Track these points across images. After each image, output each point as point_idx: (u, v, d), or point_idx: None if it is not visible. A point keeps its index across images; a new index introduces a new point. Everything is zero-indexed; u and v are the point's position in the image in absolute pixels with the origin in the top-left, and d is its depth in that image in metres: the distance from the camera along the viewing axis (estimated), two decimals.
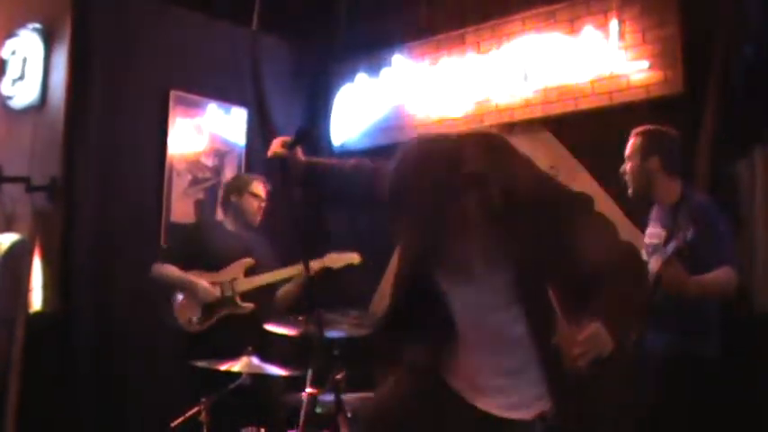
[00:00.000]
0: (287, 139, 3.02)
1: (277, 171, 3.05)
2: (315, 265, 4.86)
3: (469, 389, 2.63)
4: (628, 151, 4.20)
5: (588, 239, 2.43)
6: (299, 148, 3.01)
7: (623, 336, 2.43)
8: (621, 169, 4.23)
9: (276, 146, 3.02)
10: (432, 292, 2.62)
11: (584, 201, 2.60)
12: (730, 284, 3.80)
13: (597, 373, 2.34)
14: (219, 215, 5.55)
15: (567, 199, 2.54)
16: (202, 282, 4.89)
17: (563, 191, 2.56)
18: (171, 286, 4.97)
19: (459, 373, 2.65)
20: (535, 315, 2.45)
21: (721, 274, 3.78)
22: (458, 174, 2.33)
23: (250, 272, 5.01)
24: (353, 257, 5.02)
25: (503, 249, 2.44)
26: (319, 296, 4.76)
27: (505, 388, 2.55)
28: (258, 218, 5.18)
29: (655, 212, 4.20)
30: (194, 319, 4.87)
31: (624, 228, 5.07)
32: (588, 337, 2.29)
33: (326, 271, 4.93)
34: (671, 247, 3.72)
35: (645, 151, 4.12)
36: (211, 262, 4.96)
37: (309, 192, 3.12)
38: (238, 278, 4.96)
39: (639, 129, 4.21)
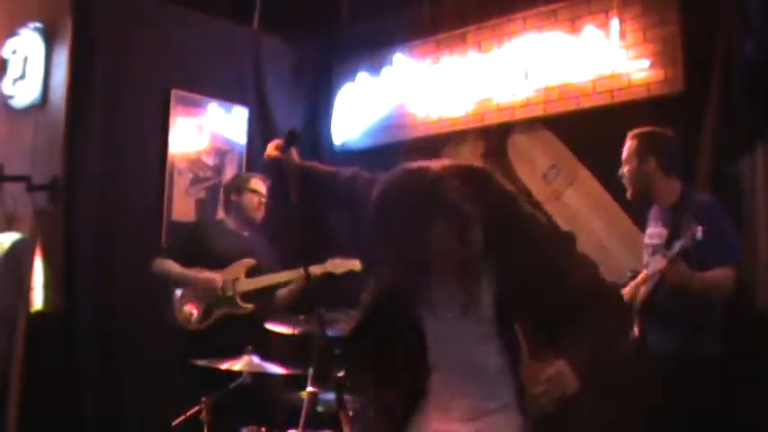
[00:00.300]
0: (280, 142, 3.03)
1: (274, 173, 3.07)
2: (316, 269, 4.88)
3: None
4: (624, 154, 4.22)
5: (569, 276, 2.38)
6: (294, 149, 3.02)
7: (593, 373, 2.38)
8: (619, 172, 4.24)
9: (271, 149, 3.04)
10: (406, 319, 2.54)
11: (568, 239, 2.54)
12: (730, 284, 3.80)
13: (561, 412, 2.28)
14: (221, 214, 5.55)
15: (551, 236, 2.47)
16: (204, 273, 4.89)
17: (547, 228, 2.49)
18: (171, 282, 4.98)
19: (431, 416, 2.54)
20: (515, 348, 2.35)
21: (722, 273, 3.79)
22: (438, 204, 2.27)
23: (251, 272, 5.01)
24: (355, 264, 5.01)
25: (483, 282, 2.39)
26: (321, 297, 4.79)
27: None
28: (260, 214, 5.19)
29: (654, 212, 4.20)
30: (194, 316, 4.88)
31: (625, 227, 5.10)
32: (552, 376, 2.23)
33: (328, 276, 4.93)
34: (678, 246, 3.72)
35: (641, 153, 4.13)
36: (212, 261, 4.97)
37: (305, 194, 3.11)
38: (240, 278, 4.96)
39: (635, 131, 4.22)
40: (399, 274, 2.42)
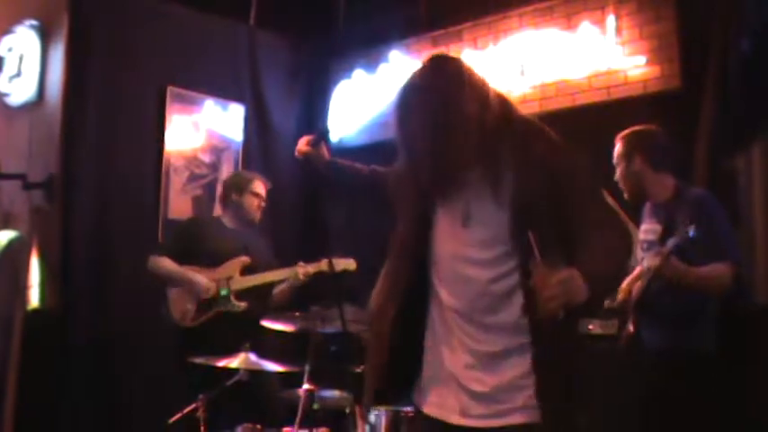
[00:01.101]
0: (311, 138, 3.08)
1: (302, 168, 3.12)
2: (310, 268, 4.90)
3: (439, 394, 2.54)
4: (614, 159, 4.21)
5: (587, 198, 2.47)
6: (324, 145, 3.07)
7: (601, 292, 2.41)
8: (615, 177, 4.23)
9: (302, 144, 3.08)
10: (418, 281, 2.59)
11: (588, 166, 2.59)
12: (726, 279, 3.80)
13: (567, 322, 2.29)
14: (218, 211, 5.55)
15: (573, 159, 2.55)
16: (201, 277, 4.89)
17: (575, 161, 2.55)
18: (167, 279, 4.97)
19: (429, 376, 2.58)
20: (526, 264, 2.37)
21: (718, 269, 3.78)
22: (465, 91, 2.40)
23: (246, 270, 5.01)
24: (350, 263, 5.02)
25: (503, 188, 2.44)
26: (317, 293, 4.80)
27: (482, 377, 2.45)
28: (258, 216, 5.19)
29: (648, 209, 4.19)
30: (188, 313, 4.88)
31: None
32: (562, 280, 2.22)
33: (323, 274, 4.94)
34: (672, 242, 3.72)
35: (627, 154, 4.13)
36: (208, 258, 4.97)
37: (333, 189, 3.20)
38: (234, 276, 4.96)
39: (621, 134, 4.21)
40: (424, 163, 2.47)
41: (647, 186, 4.13)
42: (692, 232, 3.62)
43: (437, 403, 2.54)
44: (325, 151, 3.08)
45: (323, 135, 3.12)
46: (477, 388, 2.45)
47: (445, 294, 2.54)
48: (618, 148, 4.18)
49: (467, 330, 2.49)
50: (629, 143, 4.14)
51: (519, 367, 2.42)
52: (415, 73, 2.53)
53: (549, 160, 2.44)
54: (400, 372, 2.60)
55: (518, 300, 2.42)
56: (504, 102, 2.52)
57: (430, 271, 2.59)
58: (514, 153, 2.45)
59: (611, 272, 2.46)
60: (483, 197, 2.46)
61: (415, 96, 2.47)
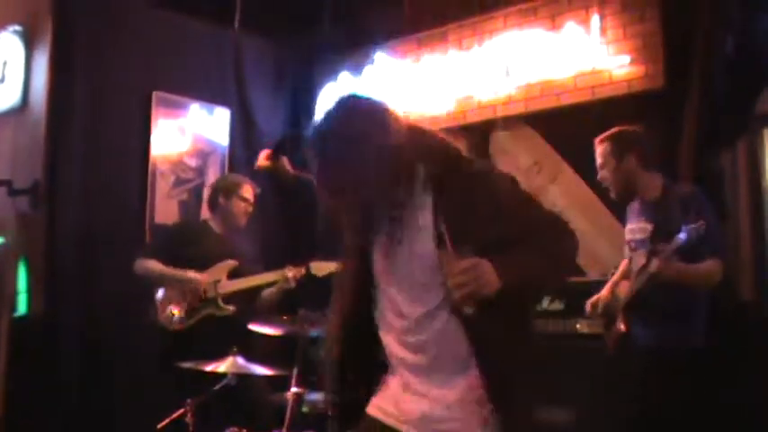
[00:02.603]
0: (269, 151, 3.04)
1: (265, 181, 3.08)
2: (297, 272, 4.90)
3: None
4: (600, 159, 4.18)
5: (515, 213, 2.41)
6: (285, 158, 3.03)
7: (527, 285, 2.37)
8: (599, 177, 4.21)
9: (262, 159, 3.05)
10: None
11: (512, 180, 2.55)
12: (717, 275, 3.81)
13: (474, 314, 2.26)
14: (204, 214, 5.54)
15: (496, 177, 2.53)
16: (194, 273, 4.87)
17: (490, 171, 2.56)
18: (154, 281, 4.96)
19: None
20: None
21: (711, 265, 3.79)
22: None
23: (234, 274, 5.00)
24: (336, 267, 5.01)
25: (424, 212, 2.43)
26: (303, 297, 4.80)
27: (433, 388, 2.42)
28: (244, 221, 5.17)
29: (635, 208, 4.19)
30: (175, 317, 4.87)
31: (608, 223, 5.11)
32: (468, 268, 2.21)
33: (309, 277, 4.94)
34: (679, 240, 3.69)
35: (618, 152, 4.11)
36: (195, 262, 4.95)
37: (299, 200, 3.14)
38: (221, 280, 4.95)
39: (604, 135, 4.19)
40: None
41: (637, 185, 4.13)
42: (702, 229, 3.62)
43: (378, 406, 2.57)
44: (285, 164, 3.03)
45: (282, 148, 3.07)
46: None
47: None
48: (605, 147, 4.16)
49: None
50: (620, 142, 4.13)
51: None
52: (325, 118, 2.46)
53: (475, 196, 2.39)
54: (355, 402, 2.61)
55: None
56: (417, 132, 2.48)
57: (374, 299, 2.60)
58: (436, 188, 2.43)
59: (542, 267, 2.38)
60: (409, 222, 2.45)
61: (327, 143, 2.40)
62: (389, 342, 2.53)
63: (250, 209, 5.16)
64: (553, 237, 2.44)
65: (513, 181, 2.53)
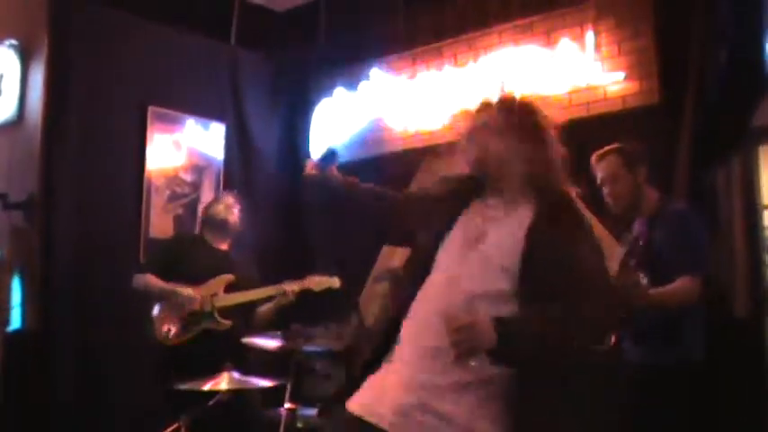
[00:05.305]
0: (316, 161, 3.08)
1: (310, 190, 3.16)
2: (295, 286, 4.91)
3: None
4: (606, 173, 4.12)
5: (580, 263, 2.50)
6: (334, 167, 3.05)
7: (529, 349, 2.41)
8: (607, 192, 4.14)
9: (309, 167, 3.08)
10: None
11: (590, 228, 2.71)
12: (690, 294, 3.78)
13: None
14: (198, 230, 5.54)
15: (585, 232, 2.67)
16: (186, 288, 4.86)
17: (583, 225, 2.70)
18: (152, 296, 4.95)
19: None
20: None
21: (680, 285, 3.77)
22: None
23: (230, 288, 4.99)
24: (334, 282, 5.03)
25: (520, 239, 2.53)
26: (299, 312, 4.80)
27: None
28: (235, 231, 5.17)
29: (637, 227, 4.15)
30: (172, 331, 4.85)
31: (604, 239, 5.10)
32: (462, 327, 2.29)
33: (306, 292, 4.94)
34: (621, 251, 3.72)
35: (630, 166, 4.05)
36: (191, 276, 4.94)
37: (345, 210, 3.19)
38: (218, 294, 4.94)
39: (605, 150, 4.17)
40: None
41: (642, 200, 4.09)
42: (626, 242, 3.66)
43: None
44: (334, 172, 3.06)
45: (332, 157, 3.08)
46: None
47: None
48: (614, 160, 4.09)
49: None
50: (630, 155, 4.08)
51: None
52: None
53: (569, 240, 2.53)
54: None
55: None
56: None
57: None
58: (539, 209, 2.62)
59: (555, 335, 2.42)
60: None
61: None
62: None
63: (237, 220, 5.15)
64: (594, 308, 2.50)
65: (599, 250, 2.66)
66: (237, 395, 4.32)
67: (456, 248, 2.61)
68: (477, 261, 2.54)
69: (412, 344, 2.54)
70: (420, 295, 2.60)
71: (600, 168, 4.14)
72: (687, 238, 3.87)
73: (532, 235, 2.52)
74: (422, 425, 2.40)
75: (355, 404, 2.58)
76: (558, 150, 2.76)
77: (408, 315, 2.60)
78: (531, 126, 2.73)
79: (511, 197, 2.67)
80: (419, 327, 2.54)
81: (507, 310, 2.43)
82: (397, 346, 2.60)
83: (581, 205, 2.76)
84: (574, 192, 2.76)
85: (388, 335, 2.65)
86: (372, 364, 2.65)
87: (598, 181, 4.15)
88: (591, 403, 4.07)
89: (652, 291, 3.76)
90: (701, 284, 3.81)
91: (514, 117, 2.71)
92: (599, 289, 2.54)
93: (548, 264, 2.44)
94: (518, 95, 2.88)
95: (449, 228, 2.67)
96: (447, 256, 2.62)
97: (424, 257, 2.67)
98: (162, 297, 4.92)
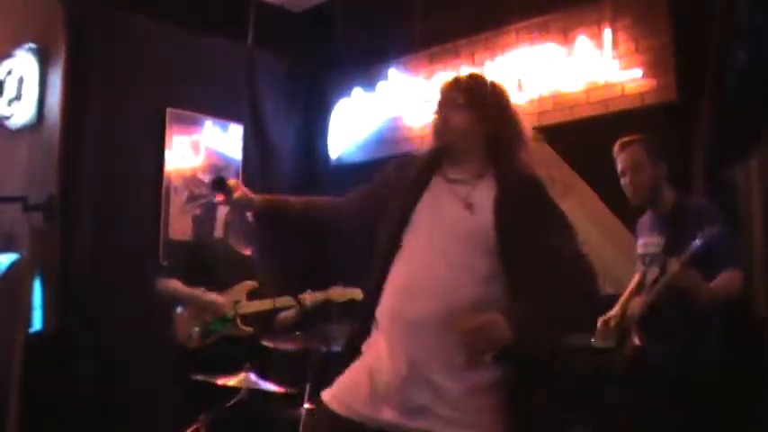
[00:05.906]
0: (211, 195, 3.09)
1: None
2: (318, 296, 4.91)
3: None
4: (626, 163, 4.04)
5: (556, 237, 2.57)
6: (224, 196, 2.96)
7: (544, 335, 2.45)
8: (627, 180, 4.10)
9: (218, 202, 3.11)
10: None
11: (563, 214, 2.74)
12: (737, 288, 3.76)
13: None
14: (218, 230, 5.55)
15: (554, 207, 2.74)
16: (212, 294, 4.86)
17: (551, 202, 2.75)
18: (178, 301, 4.94)
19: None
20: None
21: (730, 278, 3.74)
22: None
23: (253, 295, 4.99)
24: (357, 293, 5.00)
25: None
26: (321, 316, 4.81)
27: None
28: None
29: (647, 221, 4.14)
30: (194, 335, 4.86)
31: (622, 237, 5.09)
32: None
33: (328, 302, 4.95)
34: (694, 245, 3.65)
35: (654, 158, 3.99)
36: (215, 281, 4.93)
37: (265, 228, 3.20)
38: (241, 301, 4.94)
39: (633, 137, 4.11)
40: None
41: (660, 194, 4.05)
42: (716, 231, 3.60)
43: None
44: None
45: (219, 183, 2.96)
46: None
47: None
48: (638, 149, 4.01)
49: None
50: (653, 148, 4.01)
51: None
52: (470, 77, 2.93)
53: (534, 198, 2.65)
54: None
55: None
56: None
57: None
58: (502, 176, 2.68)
59: (560, 317, 2.46)
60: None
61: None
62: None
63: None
64: (579, 278, 2.53)
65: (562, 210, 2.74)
66: (257, 395, 4.33)
67: (425, 228, 2.62)
68: (446, 238, 2.55)
69: (395, 339, 2.52)
70: (395, 280, 2.60)
71: (622, 157, 4.07)
72: (726, 231, 3.83)
73: (499, 210, 2.55)
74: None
75: (333, 399, 2.58)
76: (522, 132, 2.83)
77: (382, 303, 2.61)
78: (495, 105, 2.81)
79: (473, 172, 2.71)
80: (402, 321, 2.52)
81: (489, 288, 2.47)
82: (376, 337, 2.62)
83: (548, 188, 2.79)
84: (540, 176, 2.80)
85: (364, 322, 2.67)
86: (351, 351, 2.67)
87: (619, 170, 4.08)
88: (613, 404, 4.08)
89: (707, 286, 3.71)
90: (743, 277, 3.79)
91: (479, 94, 2.81)
92: (574, 264, 2.56)
93: (518, 237, 2.48)
94: (489, 78, 2.95)
95: (411, 209, 2.68)
96: (416, 238, 2.62)
97: (388, 243, 2.66)
98: (189, 303, 4.92)
